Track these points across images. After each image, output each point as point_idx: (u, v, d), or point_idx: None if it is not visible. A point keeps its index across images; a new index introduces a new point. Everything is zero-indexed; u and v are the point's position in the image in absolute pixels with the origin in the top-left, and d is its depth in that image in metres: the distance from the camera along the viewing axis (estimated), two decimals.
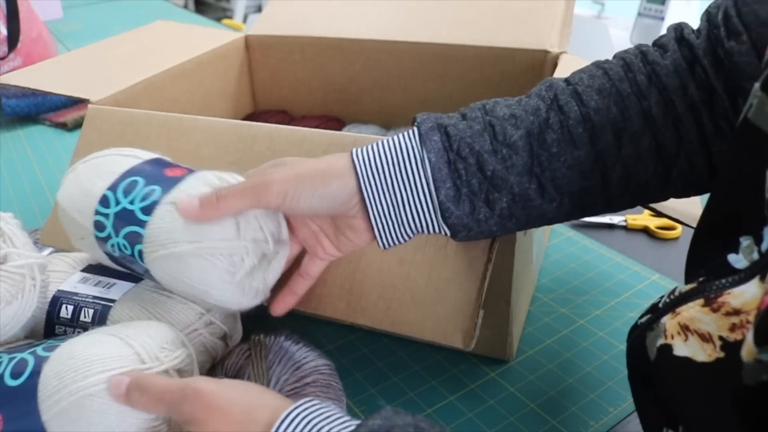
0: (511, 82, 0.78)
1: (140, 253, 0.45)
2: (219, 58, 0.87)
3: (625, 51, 0.47)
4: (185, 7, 3.15)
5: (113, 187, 0.47)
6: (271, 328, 0.54)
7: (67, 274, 0.52)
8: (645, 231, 0.82)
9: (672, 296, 0.39)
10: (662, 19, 2.21)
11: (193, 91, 0.83)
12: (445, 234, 0.45)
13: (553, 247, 0.77)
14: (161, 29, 0.91)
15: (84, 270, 0.53)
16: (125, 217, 0.45)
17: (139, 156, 0.50)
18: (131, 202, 0.45)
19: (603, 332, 0.64)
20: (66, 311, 0.49)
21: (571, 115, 0.44)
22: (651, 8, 2.25)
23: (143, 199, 0.45)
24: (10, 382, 0.39)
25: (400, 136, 0.44)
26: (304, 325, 0.64)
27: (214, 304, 0.46)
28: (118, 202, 0.46)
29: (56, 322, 0.49)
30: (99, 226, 0.47)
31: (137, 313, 0.48)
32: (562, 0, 0.78)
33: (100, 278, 0.52)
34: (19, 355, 0.41)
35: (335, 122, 0.91)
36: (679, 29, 0.46)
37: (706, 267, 0.37)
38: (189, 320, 0.48)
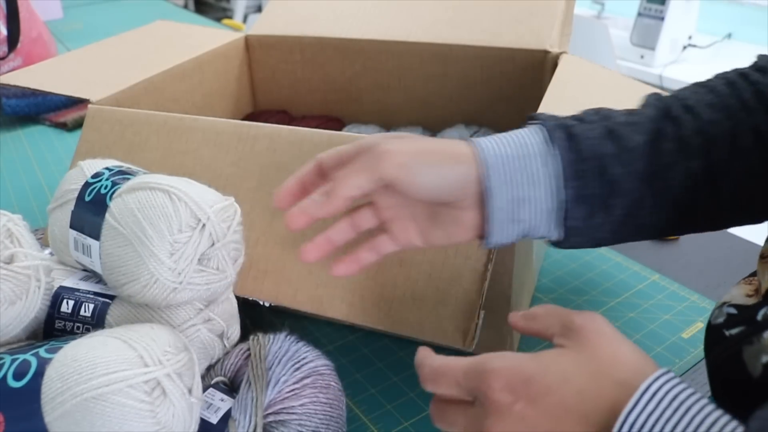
0: (511, 82, 0.78)
1: None
2: (219, 58, 0.87)
3: (724, 72, 0.46)
4: (185, 7, 3.16)
5: None
6: (270, 327, 0.54)
7: (71, 272, 0.52)
8: None
9: None
10: (662, 19, 2.21)
11: (193, 91, 0.83)
12: (551, 239, 0.43)
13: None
14: (161, 29, 0.91)
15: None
16: None
17: None
18: None
19: None
20: (67, 306, 0.49)
21: (687, 125, 0.43)
22: (651, 8, 2.25)
23: None
24: (13, 384, 0.39)
25: (524, 131, 0.42)
26: (304, 325, 0.64)
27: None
28: None
29: (56, 317, 0.49)
30: None
31: (136, 308, 0.48)
32: (562, 0, 0.78)
33: None
34: (21, 356, 0.41)
35: (335, 122, 0.91)
36: None
37: None
38: (187, 315, 0.48)
